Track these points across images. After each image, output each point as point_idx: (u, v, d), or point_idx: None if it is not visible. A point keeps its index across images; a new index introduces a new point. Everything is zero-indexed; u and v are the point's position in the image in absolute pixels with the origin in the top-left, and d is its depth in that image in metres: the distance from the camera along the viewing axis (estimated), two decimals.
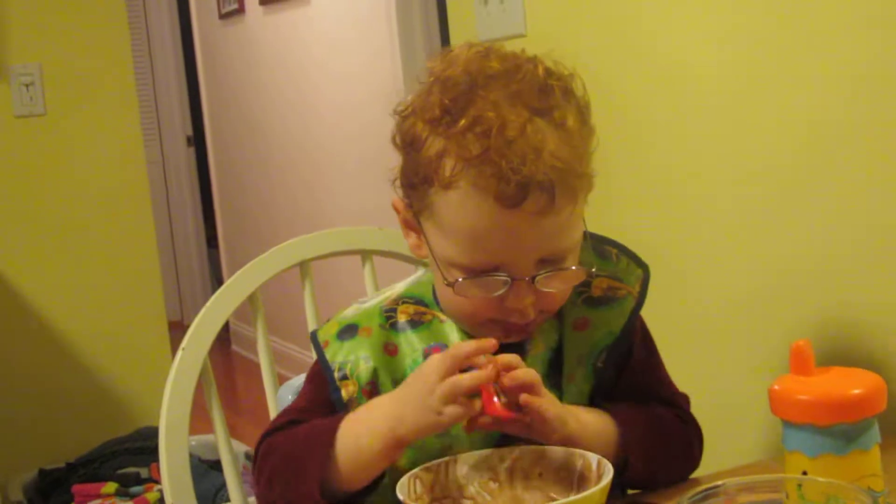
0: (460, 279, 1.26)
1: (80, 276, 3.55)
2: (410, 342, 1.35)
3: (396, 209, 1.35)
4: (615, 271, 1.39)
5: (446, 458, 1.22)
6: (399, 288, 1.43)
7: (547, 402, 1.21)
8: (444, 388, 1.18)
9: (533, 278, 1.25)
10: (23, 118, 3.46)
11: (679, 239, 1.87)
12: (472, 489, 1.21)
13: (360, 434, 1.25)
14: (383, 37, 4.52)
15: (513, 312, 1.28)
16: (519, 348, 1.33)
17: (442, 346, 1.33)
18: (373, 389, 1.32)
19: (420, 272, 1.45)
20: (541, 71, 1.26)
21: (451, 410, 1.18)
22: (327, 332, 1.39)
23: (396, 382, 1.31)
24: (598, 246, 1.39)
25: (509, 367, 1.21)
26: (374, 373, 1.33)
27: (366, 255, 1.76)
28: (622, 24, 1.93)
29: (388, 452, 1.23)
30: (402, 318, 1.37)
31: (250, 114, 6.06)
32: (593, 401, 1.35)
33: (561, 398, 1.32)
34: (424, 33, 4.41)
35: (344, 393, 1.33)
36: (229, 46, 6.24)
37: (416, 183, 1.27)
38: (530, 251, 1.24)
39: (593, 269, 1.32)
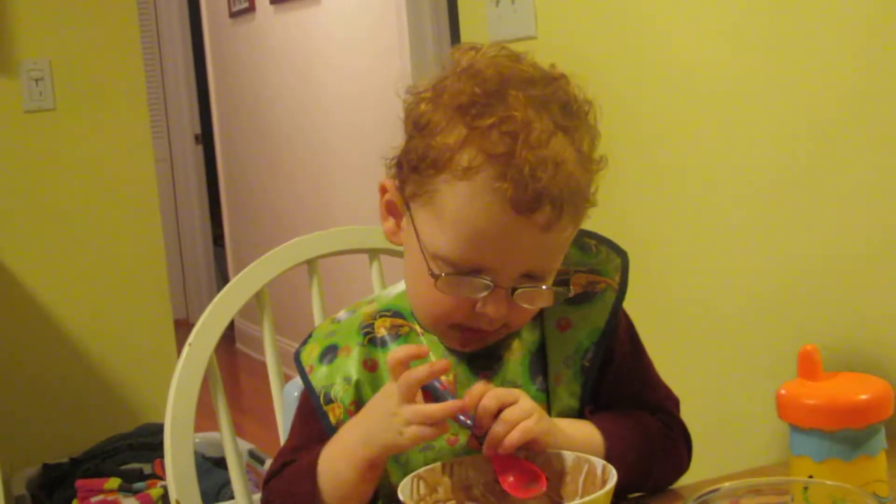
0: (444, 274, 1.24)
1: (86, 272, 3.55)
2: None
3: (383, 189, 1.33)
4: (595, 263, 1.37)
5: (451, 460, 1.21)
6: (380, 297, 1.42)
7: (535, 426, 1.19)
8: (408, 413, 1.18)
9: (513, 290, 1.23)
10: (32, 113, 3.46)
11: (688, 242, 1.86)
12: (476, 491, 1.21)
13: (334, 459, 1.26)
14: (393, 36, 4.52)
15: (481, 318, 1.25)
16: (495, 357, 1.33)
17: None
18: (357, 409, 1.30)
19: (401, 284, 1.43)
20: (570, 88, 1.26)
21: (413, 431, 1.18)
22: (309, 356, 1.39)
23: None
24: (578, 239, 1.36)
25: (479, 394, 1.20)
26: (357, 392, 1.33)
27: (373, 253, 1.76)
28: (633, 25, 1.93)
29: (363, 474, 1.23)
30: (380, 333, 1.36)
31: (259, 113, 6.06)
32: (584, 401, 1.34)
33: (547, 400, 1.32)
34: (434, 33, 4.41)
35: (332, 417, 1.33)
36: (239, 45, 6.24)
37: (422, 167, 1.24)
38: (520, 262, 1.23)
39: (570, 294, 1.32)
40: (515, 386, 1.31)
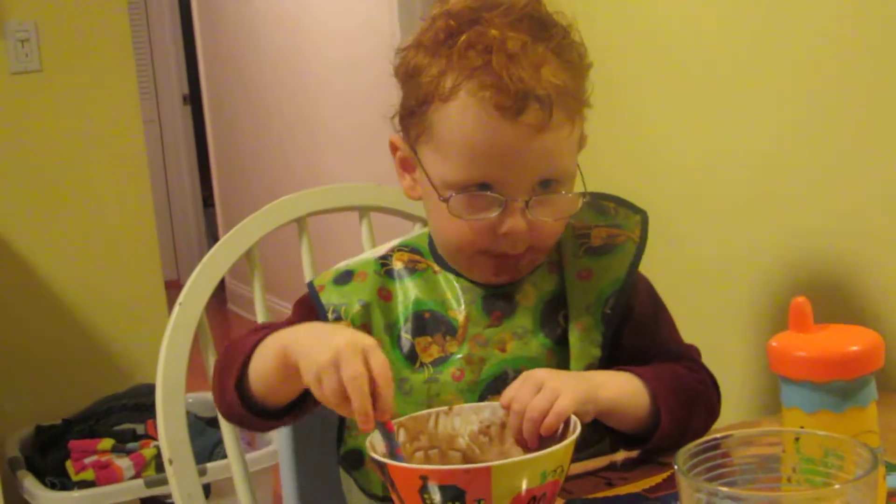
0: (453, 194, 1.27)
1: (75, 234, 3.54)
2: (405, 289, 1.37)
3: (394, 147, 1.38)
4: (614, 222, 1.39)
5: (438, 409, 1.21)
6: (393, 242, 1.43)
7: (562, 404, 1.17)
8: (348, 372, 1.07)
9: (527, 203, 1.26)
10: (18, 74, 3.43)
11: (680, 199, 1.86)
12: (461, 441, 1.21)
13: (267, 344, 1.22)
14: None
15: (503, 240, 1.28)
16: (509, 299, 1.35)
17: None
18: (366, 332, 1.29)
19: (417, 228, 1.46)
20: (543, 8, 1.31)
21: (327, 392, 1.08)
22: (323, 279, 1.40)
23: (388, 327, 1.33)
24: (596, 202, 1.40)
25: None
26: (368, 314, 1.34)
27: (363, 211, 1.76)
28: (628, 13, 1.93)
29: (279, 367, 1.17)
30: (396, 266, 1.38)
31: (247, 73, 6.03)
32: (605, 350, 1.35)
33: (565, 345, 1.33)
34: None
35: None
36: (227, 4, 6.20)
37: (415, 107, 1.29)
38: (526, 170, 1.26)
39: (587, 198, 1.32)
40: (525, 332, 1.34)
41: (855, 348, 1.06)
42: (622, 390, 1.28)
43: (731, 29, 1.74)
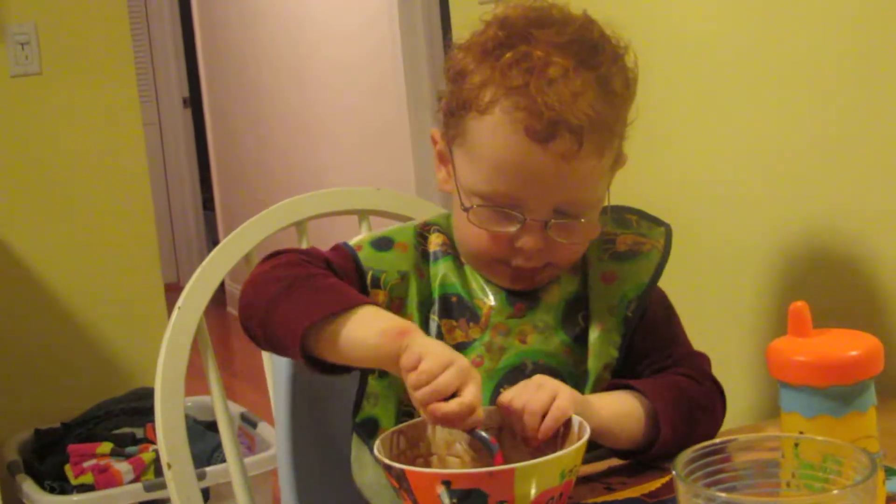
0: (476, 205, 1.29)
1: (75, 237, 3.54)
2: (437, 271, 1.38)
3: (434, 140, 1.39)
4: (637, 231, 1.42)
5: None
6: (428, 218, 1.45)
7: (561, 402, 1.18)
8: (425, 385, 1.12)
9: (546, 224, 1.28)
10: (18, 77, 3.43)
11: (681, 200, 1.86)
12: (458, 447, 1.21)
13: (372, 315, 1.21)
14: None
15: (520, 254, 1.30)
16: (532, 293, 1.36)
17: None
18: (400, 305, 1.33)
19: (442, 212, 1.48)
20: (596, 31, 1.31)
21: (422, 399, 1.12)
22: (361, 240, 1.39)
23: (421, 304, 1.34)
24: (618, 215, 1.42)
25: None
26: (405, 286, 1.35)
27: (363, 214, 1.76)
28: (639, 13, 1.93)
29: (387, 335, 1.17)
30: (432, 248, 1.40)
31: (247, 75, 6.04)
32: (622, 352, 1.37)
33: (583, 345, 1.35)
34: None
35: (370, 297, 1.32)
36: (227, 6, 6.21)
37: (456, 110, 1.30)
38: (549, 195, 1.27)
39: (606, 228, 1.36)
40: (546, 327, 1.35)
41: (854, 353, 1.06)
42: (614, 413, 1.29)
43: (741, 30, 1.74)
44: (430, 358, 1.12)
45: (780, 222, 1.69)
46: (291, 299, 1.26)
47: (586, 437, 1.11)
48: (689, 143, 1.85)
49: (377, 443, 1.14)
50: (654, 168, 1.91)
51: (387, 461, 1.09)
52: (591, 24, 1.31)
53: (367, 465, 1.35)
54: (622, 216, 1.44)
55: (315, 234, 1.79)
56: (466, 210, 1.31)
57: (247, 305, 1.32)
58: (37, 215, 3.48)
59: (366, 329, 1.19)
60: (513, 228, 1.29)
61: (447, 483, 1.04)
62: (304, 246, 1.72)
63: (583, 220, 1.30)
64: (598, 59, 1.27)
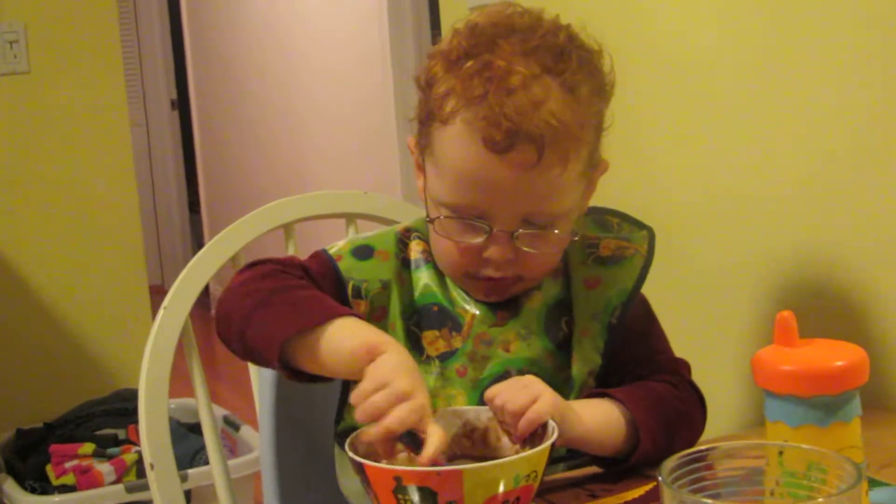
0: (443, 217, 1.28)
1: (61, 237, 3.53)
2: (418, 279, 1.37)
3: (411, 149, 1.38)
4: (620, 235, 1.41)
5: None
6: (408, 223, 1.43)
7: (540, 405, 1.18)
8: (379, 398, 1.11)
9: (513, 234, 1.26)
10: (7, 76, 3.43)
11: (665, 210, 1.86)
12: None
13: (350, 328, 1.20)
14: (371, 3, 4.50)
15: (489, 265, 1.29)
16: (514, 300, 1.36)
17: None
18: (382, 314, 1.33)
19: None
20: (563, 36, 1.28)
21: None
22: (341, 249, 1.38)
23: (403, 312, 1.34)
24: (599, 217, 1.41)
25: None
26: (387, 295, 1.34)
27: (350, 218, 1.76)
28: (627, 18, 1.93)
29: (355, 357, 1.16)
30: (413, 255, 1.39)
31: (235, 79, 6.03)
32: (605, 358, 1.36)
33: (566, 350, 1.35)
34: (413, 2, 4.38)
35: (352, 307, 1.32)
36: (216, 10, 6.20)
37: (424, 119, 1.30)
38: (513, 205, 1.26)
39: (576, 237, 1.34)
40: (529, 333, 1.35)
41: (840, 363, 1.06)
42: (597, 420, 1.28)
43: (735, 38, 1.74)
44: (367, 379, 1.13)
45: (768, 232, 1.69)
46: (268, 312, 1.25)
47: (547, 443, 1.11)
48: (675, 150, 1.85)
49: (354, 434, 1.14)
50: (640, 175, 1.91)
51: (350, 454, 1.10)
52: (559, 30, 1.29)
53: (351, 473, 1.35)
54: (603, 218, 1.43)
55: (302, 237, 1.79)
56: (431, 221, 1.30)
57: (224, 317, 1.31)
58: (22, 214, 3.47)
59: (339, 343, 1.19)
60: (479, 239, 1.28)
61: (398, 479, 1.05)
62: (290, 249, 1.72)
63: (556, 232, 1.29)
64: (563, 65, 1.25)
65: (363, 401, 1.11)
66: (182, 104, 7.36)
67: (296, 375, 1.24)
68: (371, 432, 1.11)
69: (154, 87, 7.45)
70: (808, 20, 1.59)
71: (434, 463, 1.11)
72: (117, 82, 3.62)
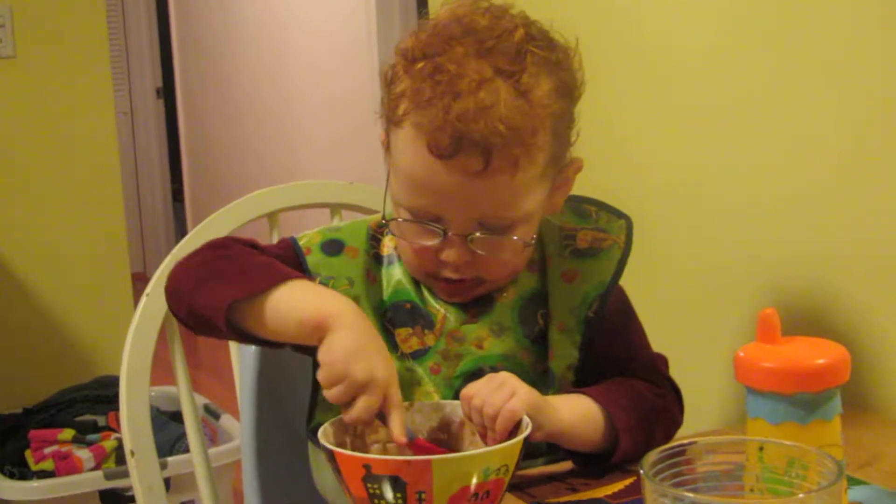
0: (399, 219, 1.27)
1: (44, 224, 3.52)
2: (389, 276, 1.36)
3: (383, 145, 1.35)
4: (597, 226, 1.39)
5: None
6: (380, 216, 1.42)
7: (514, 403, 1.18)
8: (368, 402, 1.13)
9: (467, 238, 1.25)
10: None
11: (649, 206, 1.87)
12: (420, 437, 1.21)
13: (298, 297, 1.20)
14: None
15: (446, 267, 1.28)
16: (488, 297, 1.34)
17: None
18: None
19: None
20: (519, 34, 1.24)
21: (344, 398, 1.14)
22: (310, 241, 1.37)
23: (375, 309, 1.33)
24: (577, 206, 1.40)
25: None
26: (354, 294, 1.32)
27: (335, 208, 1.75)
28: (616, 18, 1.93)
29: (304, 329, 1.17)
30: (385, 251, 1.37)
31: (222, 68, 6.02)
32: (582, 351, 1.35)
33: (542, 344, 1.34)
34: None
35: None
36: None
37: (384, 118, 1.29)
38: (464, 210, 1.25)
39: (532, 242, 1.31)
40: (502, 329, 1.34)
41: (821, 361, 1.06)
42: (574, 415, 1.28)
43: (722, 37, 1.75)
44: (323, 369, 1.13)
45: (752, 229, 1.70)
46: (216, 277, 1.26)
47: (518, 438, 1.11)
48: (657, 145, 1.86)
49: (331, 422, 1.15)
50: (620, 169, 1.91)
51: (322, 441, 1.11)
52: (516, 29, 1.25)
53: (327, 469, 1.35)
54: (580, 207, 1.41)
55: (286, 227, 1.79)
56: (386, 224, 1.30)
57: (174, 289, 1.31)
58: (5, 200, 3.46)
59: (287, 310, 1.19)
60: (433, 242, 1.27)
61: (368, 467, 1.05)
62: (274, 238, 1.72)
63: (514, 237, 1.27)
64: (518, 67, 1.22)
65: (325, 390, 1.13)
66: (168, 93, 7.34)
67: (246, 340, 1.25)
68: (348, 417, 1.13)
69: (140, 75, 7.42)
70: (797, 20, 1.60)
71: (415, 446, 1.12)
72: (103, 69, 3.61)
